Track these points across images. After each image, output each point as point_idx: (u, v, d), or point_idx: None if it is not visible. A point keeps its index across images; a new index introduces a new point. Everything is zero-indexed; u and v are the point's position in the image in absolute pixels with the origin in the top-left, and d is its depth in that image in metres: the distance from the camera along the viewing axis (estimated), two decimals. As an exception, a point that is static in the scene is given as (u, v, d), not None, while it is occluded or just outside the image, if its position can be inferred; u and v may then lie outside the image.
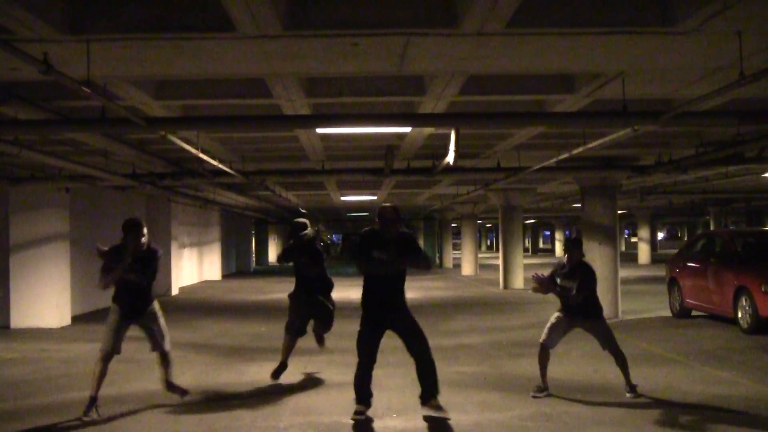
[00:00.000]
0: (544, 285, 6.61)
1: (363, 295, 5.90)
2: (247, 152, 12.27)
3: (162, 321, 6.38)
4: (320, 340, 7.97)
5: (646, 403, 6.31)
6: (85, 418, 5.90)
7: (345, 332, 10.22)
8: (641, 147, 11.74)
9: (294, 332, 7.49)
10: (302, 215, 8.25)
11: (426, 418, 5.78)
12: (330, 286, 7.69)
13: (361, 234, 6.01)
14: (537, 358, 6.72)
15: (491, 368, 8.15)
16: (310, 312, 7.56)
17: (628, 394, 6.52)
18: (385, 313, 5.85)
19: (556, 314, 6.69)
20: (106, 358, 6.10)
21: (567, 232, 51.66)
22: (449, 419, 5.69)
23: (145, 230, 6.29)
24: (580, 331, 6.77)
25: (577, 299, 6.46)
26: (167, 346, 6.40)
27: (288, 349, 7.46)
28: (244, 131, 9.93)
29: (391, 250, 5.76)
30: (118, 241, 6.28)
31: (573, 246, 6.73)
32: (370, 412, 5.88)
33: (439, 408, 5.73)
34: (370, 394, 5.86)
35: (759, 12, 4.88)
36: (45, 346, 10.15)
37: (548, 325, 6.70)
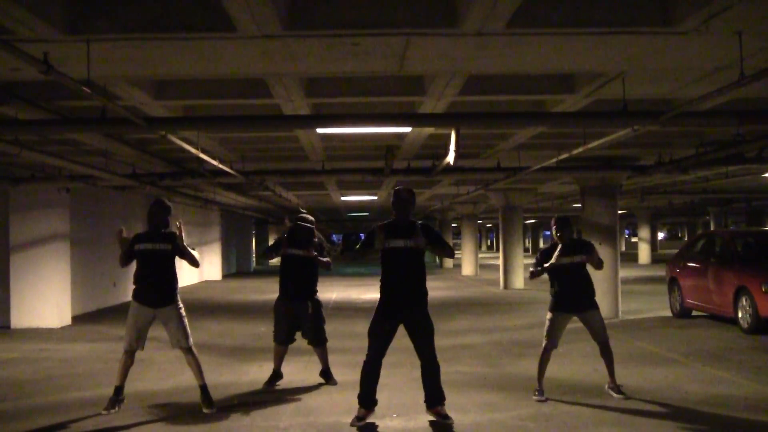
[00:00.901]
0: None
1: (381, 284, 5.87)
2: (247, 152, 12.28)
3: (184, 316, 6.19)
4: (327, 376, 7.30)
5: (646, 403, 6.31)
6: (104, 412, 6.02)
7: (346, 332, 10.24)
8: (641, 147, 11.74)
9: (282, 341, 7.23)
10: (304, 214, 7.81)
11: (427, 419, 5.78)
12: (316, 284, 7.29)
13: (374, 227, 5.92)
14: (538, 360, 6.65)
15: (491, 368, 8.15)
16: (295, 320, 7.18)
17: (615, 395, 6.48)
18: (401, 303, 5.75)
19: (550, 315, 6.63)
20: (129, 353, 6.22)
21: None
22: (451, 422, 5.69)
23: (170, 208, 6.32)
24: (580, 330, 6.77)
25: (599, 267, 6.63)
26: (189, 343, 6.18)
27: (279, 358, 7.26)
28: (244, 131, 9.94)
29: (408, 237, 5.71)
30: (118, 242, 6.27)
31: (565, 224, 6.66)
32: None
33: (444, 416, 5.71)
34: (374, 399, 5.79)
35: (759, 12, 4.88)
36: (45, 346, 10.15)
37: (546, 328, 6.63)
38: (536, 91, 7.72)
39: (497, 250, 32.66)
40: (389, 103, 8.21)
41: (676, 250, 15.35)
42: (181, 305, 6.22)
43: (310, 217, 7.33)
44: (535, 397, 6.45)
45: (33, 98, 7.24)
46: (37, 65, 4.83)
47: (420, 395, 5.91)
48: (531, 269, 6.74)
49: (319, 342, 7.26)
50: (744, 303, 10.39)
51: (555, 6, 5.16)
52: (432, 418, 5.77)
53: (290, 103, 7.69)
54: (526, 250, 46.51)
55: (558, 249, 6.57)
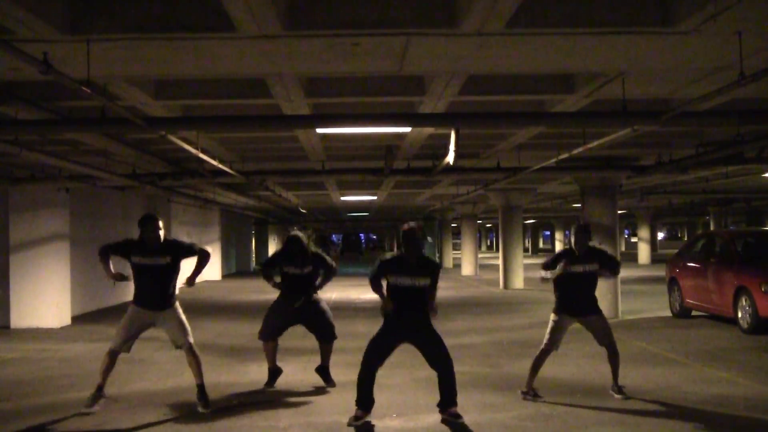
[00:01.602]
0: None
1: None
2: (247, 152, 12.28)
3: (182, 316, 6.24)
4: (325, 375, 7.24)
5: (646, 403, 6.31)
6: (83, 410, 6.03)
7: (346, 332, 10.22)
8: (641, 147, 11.74)
9: (266, 337, 7.17)
10: (299, 225, 7.72)
11: (426, 419, 5.79)
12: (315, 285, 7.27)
13: (382, 260, 5.96)
14: (534, 360, 6.62)
15: (491, 368, 8.15)
16: (292, 320, 7.17)
17: (617, 396, 6.49)
18: (404, 326, 5.84)
19: (554, 316, 6.63)
20: (112, 354, 6.22)
21: (567, 232, 51.66)
22: (462, 421, 5.68)
23: (160, 224, 6.32)
24: (580, 331, 6.76)
25: (616, 273, 6.84)
26: (189, 341, 6.20)
27: (271, 355, 7.21)
28: (244, 131, 9.94)
29: (416, 274, 5.78)
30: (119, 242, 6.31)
31: (585, 232, 6.70)
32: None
33: (455, 416, 5.73)
34: (371, 401, 5.80)
35: (759, 12, 4.88)
36: (45, 346, 10.15)
37: (549, 330, 6.61)
38: (536, 91, 7.72)
39: (497, 250, 32.67)
40: (389, 103, 8.21)
41: (676, 250, 15.35)
42: (179, 309, 6.28)
43: (300, 234, 7.31)
44: (527, 398, 6.43)
45: (33, 98, 7.23)
46: (37, 65, 4.82)
47: (420, 395, 5.93)
48: (542, 274, 6.73)
49: (330, 337, 7.18)
50: (744, 303, 10.39)
51: (555, 6, 5.16)
52: (444, 418, 5.76)
53: (290, 103, 7.68)
54: (525, 250, 46.55)
55: (568, 257, 6.56)
